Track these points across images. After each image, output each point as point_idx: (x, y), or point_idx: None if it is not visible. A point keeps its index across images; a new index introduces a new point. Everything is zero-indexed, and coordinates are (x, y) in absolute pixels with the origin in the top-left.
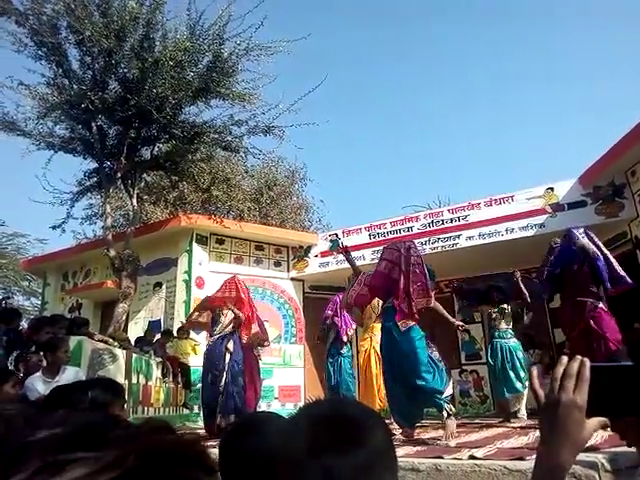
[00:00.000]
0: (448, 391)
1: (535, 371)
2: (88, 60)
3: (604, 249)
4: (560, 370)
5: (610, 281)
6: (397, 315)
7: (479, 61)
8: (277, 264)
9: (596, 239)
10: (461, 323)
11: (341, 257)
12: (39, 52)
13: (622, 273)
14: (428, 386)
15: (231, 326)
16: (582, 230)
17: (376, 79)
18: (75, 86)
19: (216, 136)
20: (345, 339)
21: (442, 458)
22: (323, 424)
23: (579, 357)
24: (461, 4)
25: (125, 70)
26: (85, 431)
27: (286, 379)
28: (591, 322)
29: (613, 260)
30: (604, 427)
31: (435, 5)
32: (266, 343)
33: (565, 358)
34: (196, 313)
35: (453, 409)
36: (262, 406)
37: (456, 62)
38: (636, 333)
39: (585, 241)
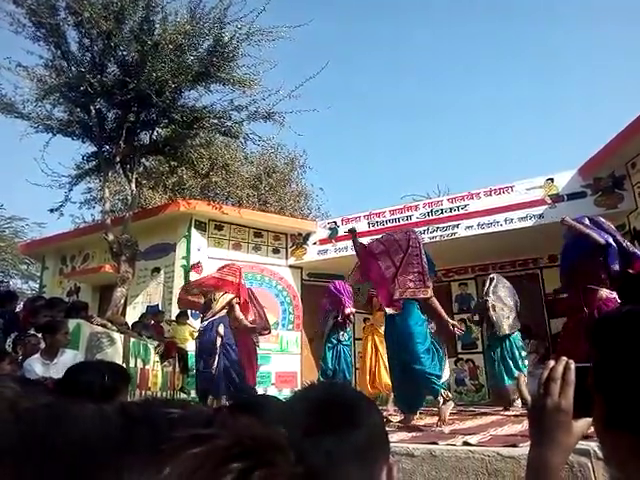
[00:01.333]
0: (445, 376)
1: (522, 378)
2: (87, 42)
3: (614, 232)
4: (545, 374)
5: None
6: (385, 302)
7: (481, 52)
8: (275, 251)
9: (605, 224)
10: (455, 323)
11: (340, 245)
12: (37, 33)
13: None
14: (427, 370)
15: (224, 311)
16: (586, 219)
17: (377, 66)
18: (74, 68)
19: (215, 121)
20: (348, 311)
21: (436, 444)
22: (320, 407)
23: (564, 359)
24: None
25: (124, 53)
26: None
27: (283, 365)
28: (595, 312)
29: (622, 240)
30: (590, 426)
31: None
32: (265, 332)
33: (551, 362)
34: (195, 290)
35: (450, 395)
36: (259, 391)
37: (458, 52)
38: None
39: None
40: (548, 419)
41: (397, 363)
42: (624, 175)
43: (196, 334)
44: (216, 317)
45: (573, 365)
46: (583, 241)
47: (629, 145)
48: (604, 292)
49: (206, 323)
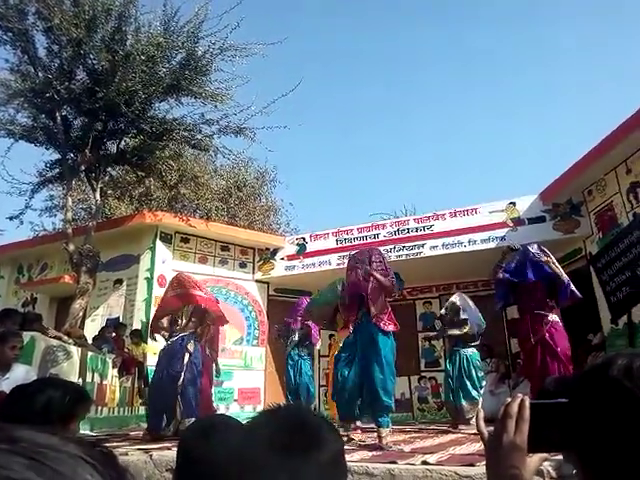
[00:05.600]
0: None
1: (481, 414)
2: (56, 48)
3: (556, 264)
4: (501, 411)
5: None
6: (377, 321)
7: (451, 78)
8: (242, 265)
9: (549, 255)
10: None
11: (307, 261)
12: (4, 37)
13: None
14: (388, 405)
15: (192, 327)
16: (536, 246)
17: (350, 84)
18: (40, 74)
19: (186, 134)
20: (318, 346)
21: (396, 463)
22: (285, 428)
23: (520, 396)
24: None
25: (94, 61)
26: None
27: (246, 381)
28: (546, 335)
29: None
30: (545, 460)
31: (404, 10)
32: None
33: (508, 399)
34: (159, 320)
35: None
36: (221, 408)
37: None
38: (587, 345)
39: (550, 260)
40: (503, 455)
41: (355, 368)
42: (581, 202)
43: (154, 352)
44: (186, 332)
45: (528, 402)
46: (543, 269)
47: (585, 174)
48: (552, 317)
49: (175, 338)
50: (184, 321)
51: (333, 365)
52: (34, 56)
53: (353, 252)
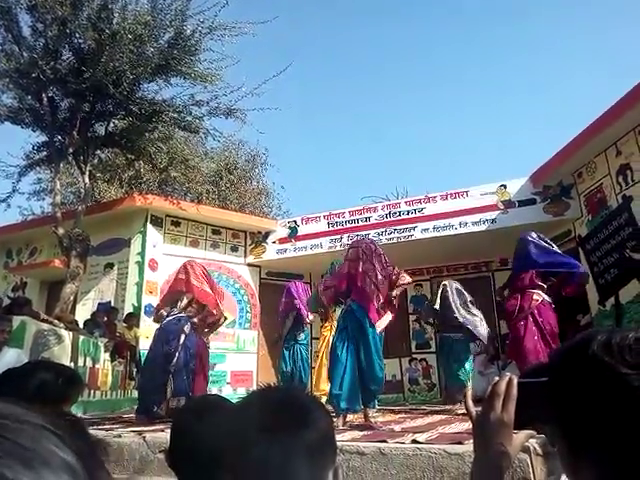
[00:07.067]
0: None
1: (470, 393)
2: (40, 27)
3: (554, 247)
4: (489, 389)
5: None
6: (370, 312)
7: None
8: (234, 249)
9: (547, 240)
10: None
11: (299, 244)
12: None
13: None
14: (377, 390)
15: (188, 310)
16: (534, 235)
17: (341, 66)
18: (25, 53)
19: (175, 115)
20: (308, 320)
21: (386, 442)
22: (276, 407)
23: (508, 374)
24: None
25: (80, 41)
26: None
27: (239, 364)
28: (535, 312)
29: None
30: (531, 437)
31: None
32: (221, 321)
33: (496, 377)
34: (163, 308)
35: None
36: (214, 390)
37: (427, 56)
38: (577, 326)
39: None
40: (491, 432)
41: (352, 353)
42: (571, 184)
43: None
44: (182, 314)
45: (515, 381)
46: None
47: (575, 156)
48: (541, 295)
49: (171, 317)
50: (185, 302)
51: (330, 351)
52: (18, 35)
53: (356, 240)
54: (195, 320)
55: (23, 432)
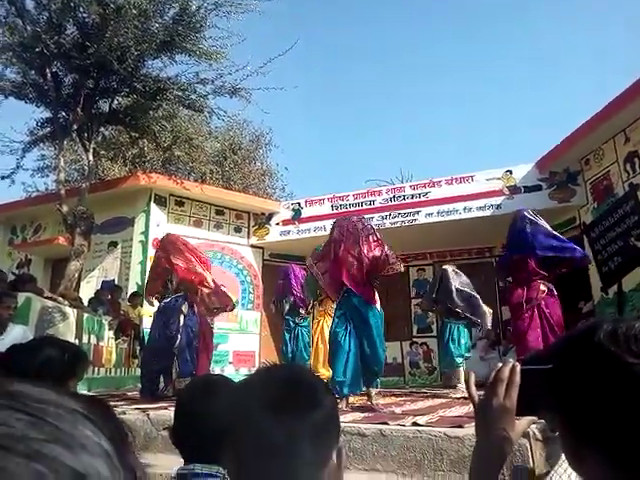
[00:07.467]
0: None
1: (472, 378)
2: (44, 0)
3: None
4: (492, 375)
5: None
6: (365, 294)
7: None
8: (237, 230)
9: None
10: None
11: (302, 226)
12: None
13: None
14: (379, 372)
15: (182, 291)
16: (530, 213)
17: (347, 47)
18: (29, 27)
19: (180, 93)
20: (303, 312)
21: (387, 424)
22: (282, 386)
23: (511, 361)
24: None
25: (84, 15)
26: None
27: (241, 344)
28: (542, 303)
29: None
30: (533, 423)
31: None
32: (228, 307)
33: (499, 364)
34: (154, 282)
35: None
36: (216, 370)
37: (431, 44)
38: (578, 313)
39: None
40: (493, 417)
41: (354, 339)
42: (578, 171)
43: (150, 314)
44: (180, 294)
45: (519, 367)
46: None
47: (583, 143)
48: (547, 285)
49: (169, 298)
50: (175, 284)
51: (330, 338)
52: (22, 8)
53: (340, 219)
54: (189, 298)
55: (61, 417)
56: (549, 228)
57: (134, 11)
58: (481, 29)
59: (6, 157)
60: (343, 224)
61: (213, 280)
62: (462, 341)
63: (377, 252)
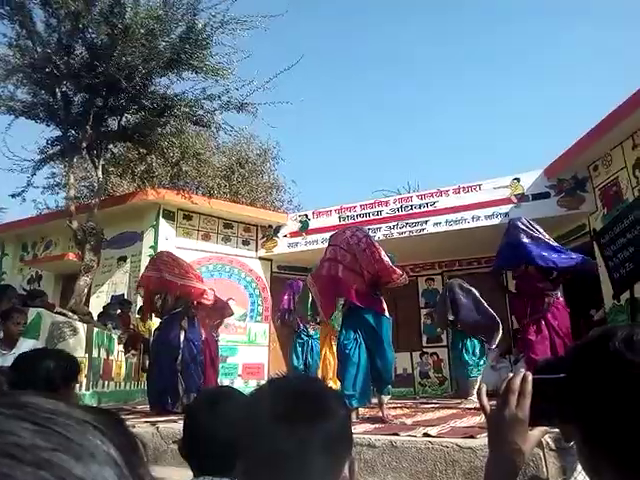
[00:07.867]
0: None
1: (484, 388)
2: (54, 22)
3: (541, 235)
4: (503, 386)
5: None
6: (371, 307)
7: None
8: (245, 242)
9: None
10: None
11: (310, 238)
12: (1, 10)
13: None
14: (389, 380)
15: (180, 306)
16: (525, 221)
17: (354, 61)
18: (39, 49)
19: (187, 110)
20: (302, 326)
21: (398, 435)
22: (295, 396)
23: (522, 371)
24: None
25: (93, 35)
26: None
27: (250, 357)
28: (548, 314)
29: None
30: (546, 433)
31: None
32: (227, 314)
33: (510, 374)
34: (151, 303)
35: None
36: (225, 383)
37: (440, 52)
38: (590, 321)
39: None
40: (505, 428)
41: (365, 351)
42: (587, 177)
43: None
44: (177, 310)
45: (530, 377)
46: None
47: (591, 149)
48: (554, 296)
49: (167, 316)
50: (171, 302)
51: (338, 351)
52: (32, 30)
53: (335, 235)
54: (189, 313)
55: (71, 427)
56: (546, 237)
57: (142, 31)
58: (485, 37)
59: (17, 175)
60: (337, 242)
61: (211, 289)
62: (476, 351)
63: (377, 265)
